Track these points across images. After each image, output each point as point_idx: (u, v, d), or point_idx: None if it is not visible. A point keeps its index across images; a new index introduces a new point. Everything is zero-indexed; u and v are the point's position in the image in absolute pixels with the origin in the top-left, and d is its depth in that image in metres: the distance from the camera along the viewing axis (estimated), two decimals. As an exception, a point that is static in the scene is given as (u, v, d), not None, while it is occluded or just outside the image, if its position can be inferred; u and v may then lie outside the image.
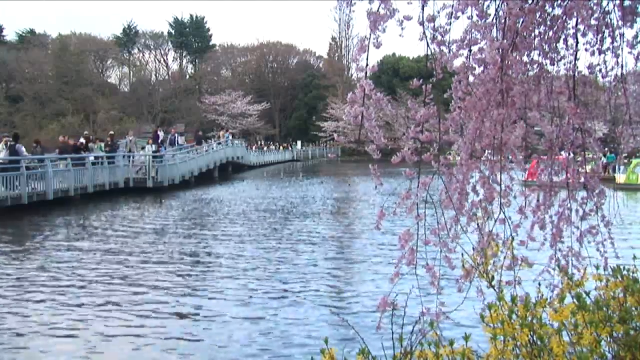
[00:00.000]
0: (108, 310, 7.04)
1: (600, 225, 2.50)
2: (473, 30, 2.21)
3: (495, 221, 2.36)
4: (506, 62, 2.21)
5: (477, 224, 2.40)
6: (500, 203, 2.33)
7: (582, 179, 2.49)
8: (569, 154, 2.49)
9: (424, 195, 2.10)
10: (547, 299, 2.12)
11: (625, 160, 21.58)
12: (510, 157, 2.40)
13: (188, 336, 6.15)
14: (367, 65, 1.90)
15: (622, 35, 2.31)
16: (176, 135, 29.39)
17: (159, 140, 27.24)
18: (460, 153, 2.39)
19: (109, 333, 6.19)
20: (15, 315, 6.85)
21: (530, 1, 2.25)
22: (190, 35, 74.25)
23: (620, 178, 22.27)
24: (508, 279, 2.40)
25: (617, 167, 21.49)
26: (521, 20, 2.21)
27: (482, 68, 2.29)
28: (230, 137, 37.43)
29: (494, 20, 2.26)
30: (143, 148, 25.79)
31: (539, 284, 2.32)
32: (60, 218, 15.92)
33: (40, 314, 6.88)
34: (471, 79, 2.32)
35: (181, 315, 6.85)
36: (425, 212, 2.12)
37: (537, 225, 2.50)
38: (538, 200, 2.51)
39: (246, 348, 5.75)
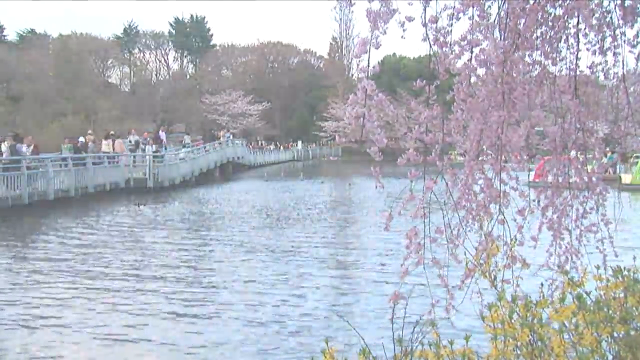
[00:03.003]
0: (107, 310, 7.04)
1: (600, 224, 2.49)
2: (475, 31, 2.20)
3: (495, 222, 2.36)
4: (508, 62, 2.20)
5: (480, 225, 2.39)
6: (500, 204, 2.32)
7: (585, 179, 2.48)
8: (573, 154, 2.48)
9: (429, 197, 2.09)
10: (548, 299, 2.11)
11: (630, 160, 21.50)
12: (512, 158, 2.39)
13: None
14: (368, 65, 1.88)
15: (623, 34, 2.31)
16: (148, 139, 28.12)
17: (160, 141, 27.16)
18: (463, 153, 2.38)
19: (109, 331, 6.20)
20: (11, 315, 6.86)
21: (532, 1, 2.24)
22: (190, 35, 74.21)
23: (626, 179, 22.23)
24: (509, 278, 2.40)
25: (617, 166, 21.40)
26: (523, 20, 2.20)
27: (484, 69, 2.28)
28: (231, 137, 37.42)
29: (496, 21, 2.25)
30: (143, 149, 25.67)
31: (541, 284, 2.31)
32: (59, 219, 15.92)
33: (35, 315, 6.89)
34: (473, 79, 2.31)
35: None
36: (429, 212, 2.11)
37: (543, 226, 2.49)
38: (538, 203, 2.50)
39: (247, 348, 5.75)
